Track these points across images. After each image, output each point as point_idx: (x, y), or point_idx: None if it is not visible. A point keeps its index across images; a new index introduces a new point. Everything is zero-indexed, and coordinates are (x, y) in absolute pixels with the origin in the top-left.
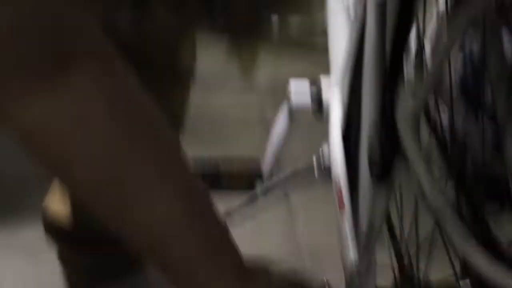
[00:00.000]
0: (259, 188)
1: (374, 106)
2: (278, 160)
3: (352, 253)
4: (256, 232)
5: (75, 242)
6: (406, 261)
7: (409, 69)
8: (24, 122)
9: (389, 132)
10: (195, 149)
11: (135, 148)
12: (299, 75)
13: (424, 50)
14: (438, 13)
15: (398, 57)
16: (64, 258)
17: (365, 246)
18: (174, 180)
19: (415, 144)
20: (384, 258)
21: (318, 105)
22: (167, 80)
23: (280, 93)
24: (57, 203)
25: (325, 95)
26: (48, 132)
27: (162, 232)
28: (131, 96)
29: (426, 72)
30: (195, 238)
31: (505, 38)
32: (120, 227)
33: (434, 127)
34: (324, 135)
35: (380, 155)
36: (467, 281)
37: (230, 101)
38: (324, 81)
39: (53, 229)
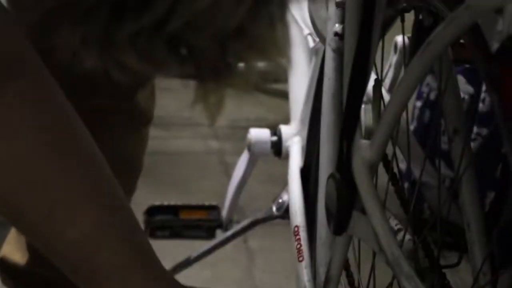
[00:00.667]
0: (219, 236)
1: (331, 158)
2: (237, 199)
3: None
4: (215, 279)
5: (32, 284)
6: None
7: (367, 118)
8: None
9: (347, 184)
10: (155, 192)
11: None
12: (260, 120)
13: (383, 99)
14: (396, 61)
15: (356, 106)
16: None
17: None
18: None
19: (372, 195)
20: None
21: (278, 154)
22: (124, 122)
23: (241, 139)
24: (13, 248)
25: (285, 144)
26: None
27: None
28: (63, 124)
29: (382, 121)
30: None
31: (461, 81)
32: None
33: (393, 177)
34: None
35: (337, 206)
36: None
37: (190, 145)
38: (284, 130)
39: (9, 272)
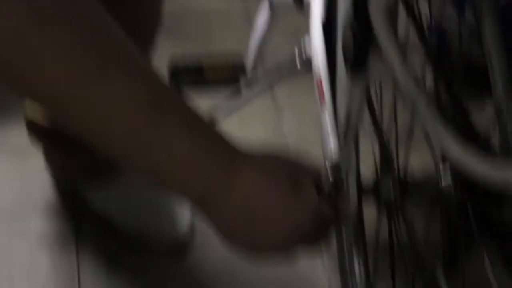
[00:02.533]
0: (242, 82)
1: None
2: (260, 54)
3: (332, 144)
4: (242, 125)
5: (58, 141)
6: (387, 148)
7: None
8: None
9: (363, 22)
10: (176, 46)
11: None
12: None
13: None
14: None
15: None
16: (49, 159)
17: (344, 138)
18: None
19: (388, 32)
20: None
21: (300, 5)
22: None
23: None
24: (37, 111)
25: None
26: None
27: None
28: None
29: None
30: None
31: None
32: (67, 118)
33: (412, 14)
34: (305, 28)
35: (354, 46)
36: (447, 165)
37: (214, 3)
38: None
39: (35, 128)
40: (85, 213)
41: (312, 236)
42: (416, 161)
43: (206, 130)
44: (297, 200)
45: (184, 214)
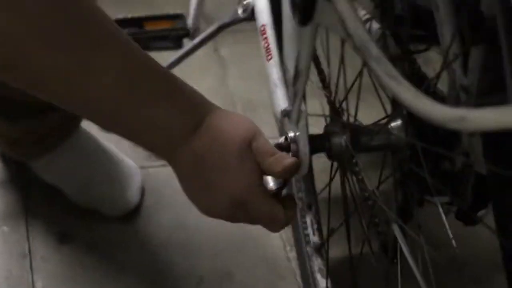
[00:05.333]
0: (187, 45)
1: None
2: (203, 13)
3: (281, 101)
4: (186, 78)
5: (3, 109)
6: (336, 104)
7: None
8: None
9: None
10: (119, 5)
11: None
12: None
13: None
14: None
15: None
16: None
17: (294, 92)
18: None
19: None
20: (317, 106)
21: None
22: None
23: None
24: None
25: None
26: None
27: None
28: None
29: None
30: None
31: None
32: (48, 93)
33: None
34: None
35: None
36: (399, 122)
37: None
38: None
39: None
40: (34, 184)
41: (249, 216)
42: (366, 113)
43: (179, 91)
44: (239, 174)
45: (132, 179)
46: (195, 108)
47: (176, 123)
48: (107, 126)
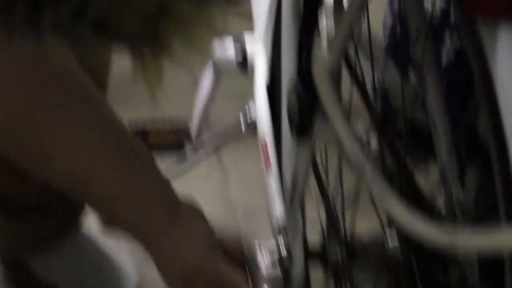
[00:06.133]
0: (188, 147)
1: (292, 61)
2: (205, 117)
3: (278, 210)
4: (189, 188)
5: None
6: (333, 214)
7: (327, 22)
8: None
9: (308, 88)
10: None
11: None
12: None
13: (342, 2)
14: None
15: (314, 10)
16: None
17: (291, 202)
18: (94, 121)
19: (333, 96)
20: (314, 213)
21: (243, 61)
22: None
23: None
24: None
25: (249, 51)
26: None
27: (85, 173)
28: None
29: (340, 26)
30: (119, 177)
31: None
32: (42, 174)
33: (356, 79)
34: (251, 92)
35: (299, 111)
36: (393, 228)
37: None
38: (247, 37)
39: None
40: (30, 283)
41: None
42: (363, 225)
43: (165, 191)
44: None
45: (129, 276)
46: (175, 202)
47: (159, 215)
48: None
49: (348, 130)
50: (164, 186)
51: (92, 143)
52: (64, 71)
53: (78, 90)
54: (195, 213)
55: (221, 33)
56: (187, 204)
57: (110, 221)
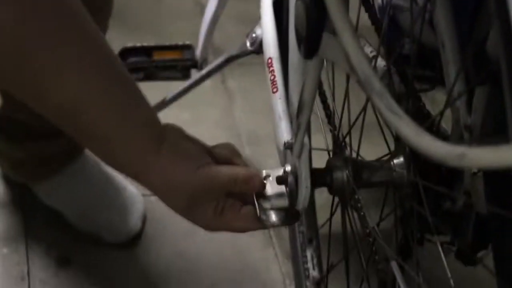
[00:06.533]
0: (194, 76)
1: None
2: (210, 38)
3: (285, 134)
4: (194, 119)
5: (7, 132)
6: (340, 139)
7: None
8: None
9: (316, 5)
10: (128, 34)
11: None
12: None
13: None
14: None
15: None
16: None
17: (298, 125)
18: (85, 43)
19: (342, 15)
20: (322, 141)
21: None
22: None
23: None
24: None
25: None
26: None
27: (73, 97)
28: None
29: None
30: (110, 110)
31: None
32: (32, 101)
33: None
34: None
35: (307, 22)
36: (401, 159)
37: None
38: None
39: None
40: (36, 207)
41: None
42: (369, 147)
43: (152, 124)
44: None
45: (135, 206)
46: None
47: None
48: (75, 132)
49: (356, 44)
50: (152, 118)
51: (83, 66)
52: None
53: (70, 15)
54: (177, 136)
55: None
56: (168, 127)
57: (105, 163)
